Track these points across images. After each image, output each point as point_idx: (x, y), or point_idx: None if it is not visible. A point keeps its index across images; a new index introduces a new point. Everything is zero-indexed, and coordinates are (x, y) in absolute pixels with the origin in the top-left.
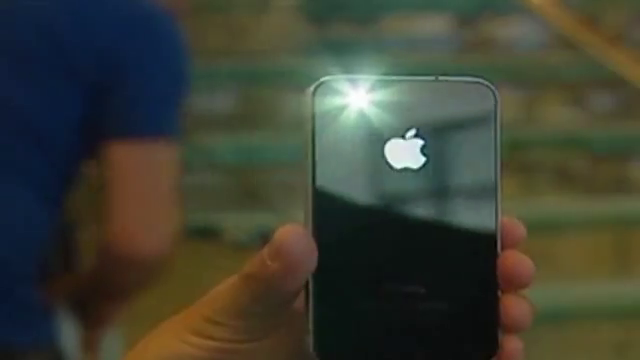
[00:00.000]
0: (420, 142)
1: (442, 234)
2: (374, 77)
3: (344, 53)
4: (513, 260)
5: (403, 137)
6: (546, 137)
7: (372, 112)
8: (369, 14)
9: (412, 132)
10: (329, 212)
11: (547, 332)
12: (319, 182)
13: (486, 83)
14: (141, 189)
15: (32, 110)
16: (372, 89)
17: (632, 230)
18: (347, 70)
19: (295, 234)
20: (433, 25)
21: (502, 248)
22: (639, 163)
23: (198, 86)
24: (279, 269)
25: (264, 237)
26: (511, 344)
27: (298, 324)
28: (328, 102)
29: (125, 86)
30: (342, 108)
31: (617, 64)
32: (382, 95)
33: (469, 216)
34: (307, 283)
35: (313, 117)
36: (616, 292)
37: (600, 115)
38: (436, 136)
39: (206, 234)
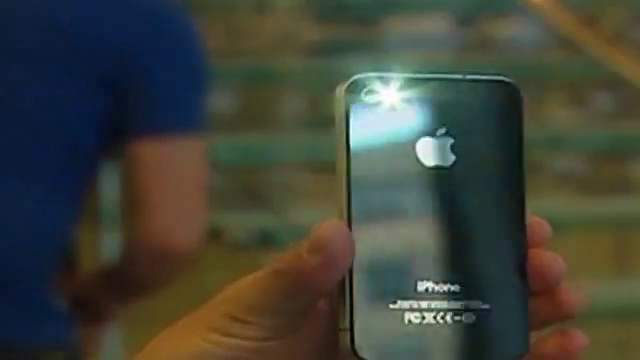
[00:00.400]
0: (450, 140)
1: (473, 233)
2: (404, 75)
3: (345, 53)
4: (544, 258)
5: (434, 135)
6: (546, 137)
7: (404, 110)
8: (370, 14)
9: (442, 130)
10: (364, 209)
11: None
12: (354, 180)
13: (510, 82)
14: (172, 184)
15: (46, 109)
16: (403, 87)
17: (632, 230)
18: (348, 70)
19: (336, 229)
20: (433, 25)
21: (529, 247)
22: (639, 163)
23: None
24: (319, 263)
25: (264, 237)
26: (578, 341)
27: (320, 322)
28: (360, 100)
29: (144, 82)
30: (374, 106)
31: (617, 64)
32: (413, 93)
33: (498, 215)
34: (342, 280)
35: (347, 115)
36: (616, 292)
37: (600, 115)
38: (464, 134)
39: (206, 234)
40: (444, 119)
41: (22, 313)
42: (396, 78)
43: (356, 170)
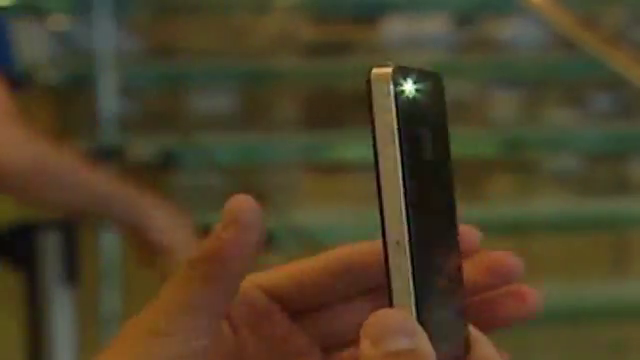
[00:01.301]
0: (430, 134)
1: (440, 232)
2: (420, 68)
3: (344, 53)
4: (494, 255)
5: (427, 127)
6: (546, 137)
7: (416, 101)
8: (369, 14)
9: (427, 124)
10: (414, 198)
11: (546, 332)
12: (407, 169)
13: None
14: None
15: None
16: (419, 80)
17: (631, 230)
18: (347, 71)
19: (246, 200)
20: (433, 25)
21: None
22: (639, 163)
23: (198, 86)
24: (234, 235)
25: (264, 237)
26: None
27: (226, 347)
28: (399, 88)
29: None
30: (400, 95)
31: (617, 64)
32: (422, 85)
33: (448, 215)
34: (389, 276)
35: (396, 101)
36: (614, 292)
37: (599, 115)
38: (435, 128)
39: (206, 234)
40: (428, 113)
41: None
42: (413, 70)
43: (408, 159)
